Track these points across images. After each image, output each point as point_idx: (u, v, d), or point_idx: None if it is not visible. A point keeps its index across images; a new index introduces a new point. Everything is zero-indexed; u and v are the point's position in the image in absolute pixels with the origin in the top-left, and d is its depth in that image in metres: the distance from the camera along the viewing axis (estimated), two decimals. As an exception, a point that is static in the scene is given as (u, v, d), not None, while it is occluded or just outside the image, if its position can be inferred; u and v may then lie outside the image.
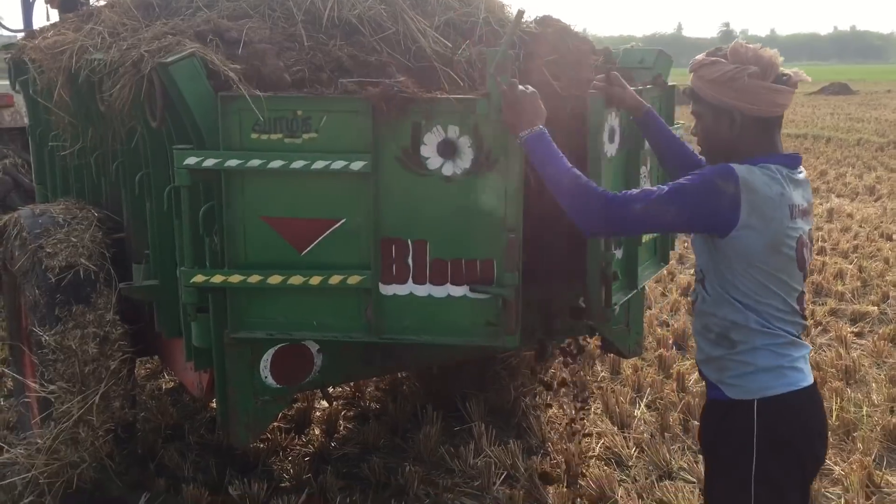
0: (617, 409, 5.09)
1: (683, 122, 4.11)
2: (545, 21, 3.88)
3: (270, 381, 3.18)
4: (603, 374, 5.82)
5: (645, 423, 5.05)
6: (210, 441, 4.82)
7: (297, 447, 4.88)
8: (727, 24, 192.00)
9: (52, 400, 3.76)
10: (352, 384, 5.65)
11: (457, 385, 5.20)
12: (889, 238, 9.85)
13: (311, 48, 3.20)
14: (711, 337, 2.44)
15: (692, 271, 8.34)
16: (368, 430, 4.95)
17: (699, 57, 2.50)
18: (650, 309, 7.28)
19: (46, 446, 3.78)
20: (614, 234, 3.06)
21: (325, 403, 5.38)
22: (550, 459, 4.61)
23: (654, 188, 2.38)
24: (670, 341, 6.37)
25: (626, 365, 5.82)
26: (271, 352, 3.16)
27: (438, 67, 3.33)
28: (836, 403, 5.13)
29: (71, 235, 4.01)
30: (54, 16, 5.51)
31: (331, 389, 5.59)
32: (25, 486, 3.92)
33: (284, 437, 4.92)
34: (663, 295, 7.81)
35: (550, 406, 5.29)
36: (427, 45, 3.37)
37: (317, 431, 5.10)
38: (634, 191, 2.42)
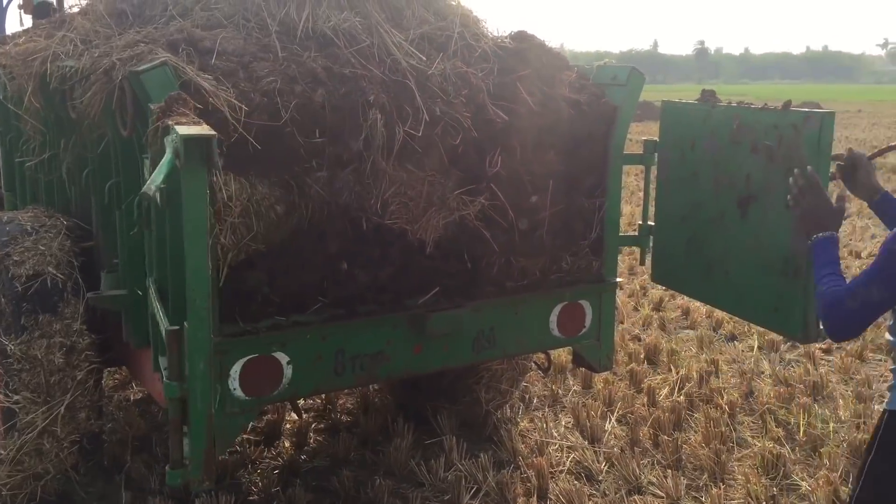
0: (588, 424, 5.10)
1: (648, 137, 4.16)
2: (520, 36, 3.90)
3: (239, 392, 3.16)
4: (575, 387, 5.83)
5: (615, 437, 5.06)
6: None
7: (267, 460, 4.84)
8: (702, 42, 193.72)
9: (17, 410, 3.71)
10: (323, 396, 5.63)
11: (428, 398, 5.19)
12: (858, 255, 9.97)
13: (285, 59, 3.19)
14: None
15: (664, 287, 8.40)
16: (339, 443, 4.92)
17: None
18: (622, 324, 7.32)
19: (10, 457, 3.72)
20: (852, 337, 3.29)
21: (295, 416, 5.35)
22: (521, 473, 4.61)
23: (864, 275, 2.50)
24: (642, 356, 6.40)
25: (598, 379, 5.83)
26: (240, 363, 3.13)
27: (413, 81, 3.34)
28: (804, 419, 5.17)
29: (39, 244, 3.96)
30: (28, 22, 5.47)
31: (301, 402, 5.58)
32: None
33: (254, 449, 4.89)
34: (636, 310, 7.85)
35: (521, 420, 5.28)
36: (402, 59, 3.38)
37: (287, 444, 5.07)
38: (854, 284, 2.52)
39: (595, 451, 4.83)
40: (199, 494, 4.24)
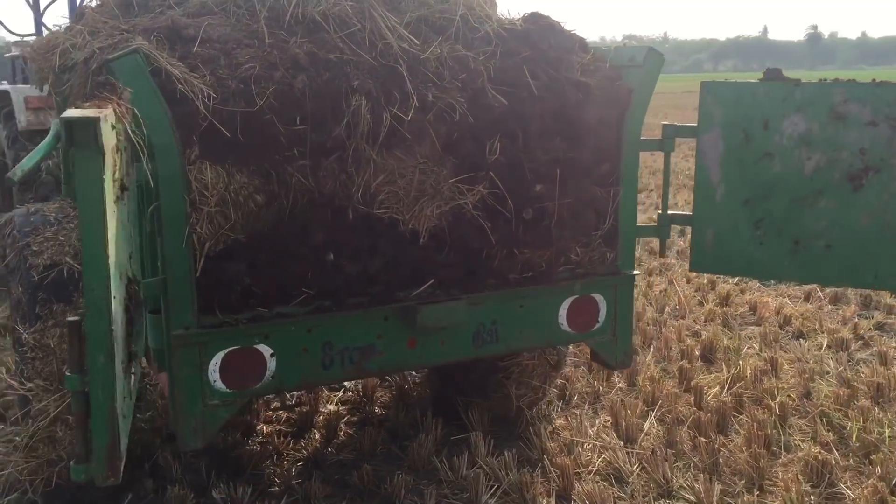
0: (624, 423, 4.88)
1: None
2: (531, 18, 3.73)
3: (220, 384, 3.11)
4: (620, 384, 5.60)
5: (652, 438, 4.83)
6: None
7: (292, 452, 4.82)
8: (815, 27, 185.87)
9: (30, 398, 3.77)
10: (360, 389, 5.58)
11: (459, 392, 5.07)
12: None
13: (270, 45, 3.13)
14: None
15: (735, 280, 8.02)
16: (366, 437, 4.86)
17: None
18: (682, 319, 7.02)
19: (24, 444, 3.79)
20: None
21: (330, 407, 5.32)
22: (546, 473, 4.44)
23: None
24: (696, 353, 6.11)
25: (644, 376, 5.60)
26: (221, 354, 3.09)
27: (404, 65, 3.22)
28: (860, 423, 4.82)
29: (59, 234, 4.03)
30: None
31: (339, 394, 5.56)
32: (7, 483, 3.96)
33: (282, 441, 4.87)
34: (700, 304, 7.52)
35: (557, 418, 5.11)
36: (394, 43, 3.27)
37: (317, 436, 5.03)
38: None
39: (628, 452, 4.62)
40: (215, 485, 4.26)
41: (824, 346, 6.36)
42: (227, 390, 3.14)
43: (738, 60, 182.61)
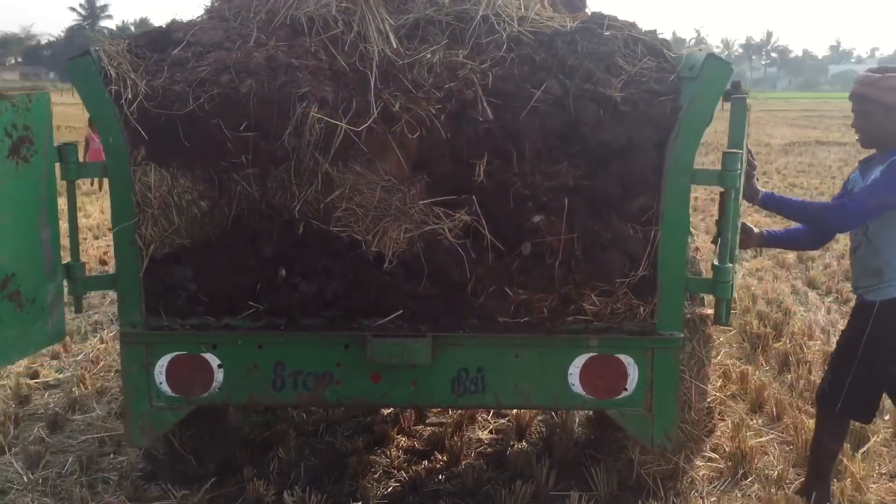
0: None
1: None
2: (589, 19, 3.18)
3: (165, 387, 3.11)
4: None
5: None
6: (317, 445, 4.80)
7: (386, 468, 4.63)
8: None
9: None
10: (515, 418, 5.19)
11: (586, 445, 4.48)
12: None
13: (242, 49, 3.03)
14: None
15: None
16: (471, 473, 4.50)
17: (872, 74, 3.33)
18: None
19: None
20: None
21: (481, 434, 5.01)
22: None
23: (865, 188, 3.27)
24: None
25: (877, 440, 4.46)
26: (167, 357, 3.09)
27: (376, 73, 2.93)
28: None
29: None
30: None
31: (489, 418, 5.23)
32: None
33: (400, 458, 4.69)
34: None
35: (698, 499, 4.27)
36: (377, 47, 2.98)
37: (444, 458, 4.76)
38: (856, 196, 3.30)
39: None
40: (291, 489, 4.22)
41: None
42: (173, 394, 3.12)
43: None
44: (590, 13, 3.25)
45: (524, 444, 4.78)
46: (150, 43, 3.15)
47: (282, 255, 3.03)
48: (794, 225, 3.74)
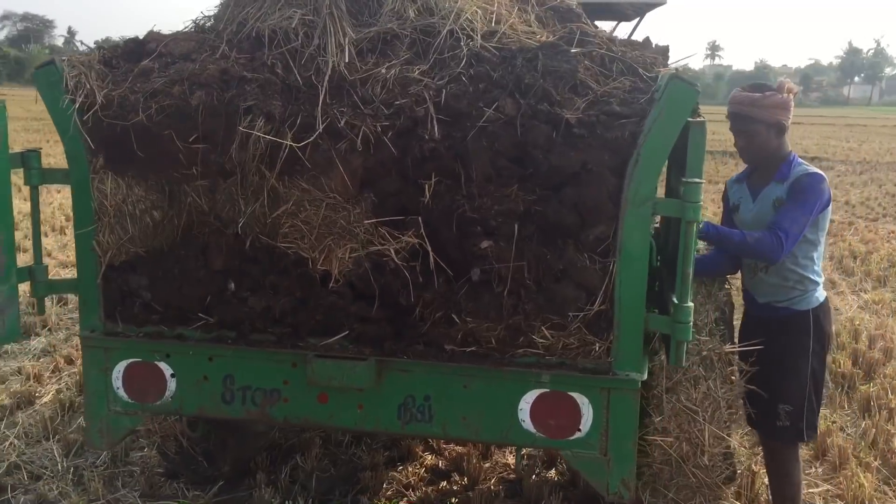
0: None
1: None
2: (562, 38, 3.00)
3: (122, 392, 3.15)
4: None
5: None
6: (340, 456, 4.76)
7: (400, 486, 4.54)
8: None
9: None
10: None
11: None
12: None
13: (203, 62, 3.03)
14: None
15: None
16: (479, 499, 4.35)
17: (752, 93, 3.33)
18: None
19: None
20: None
21: (509, 459, 4.85)
22: None
23: (787, 215, 3.22)
24: None
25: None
26: (124, 363, 3.12)
27: (325, 88, 2.85)
28: None
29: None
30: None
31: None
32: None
33: (421, 478, 4.60)
34: None
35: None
36: (333, 61, 2.91)
37: (463, 481, 4.63)
38: (781, 224, 3.20)
39: None
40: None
41: None
42: (129, 400, 3.16)
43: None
44: (575, 28, 3.05)
45: (552, 473, 4.59)
46: (126, 53, 3.19)
47: (232, 269, 3.01)
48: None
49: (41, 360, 6.16)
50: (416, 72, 2.89)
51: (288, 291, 2.97)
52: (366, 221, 2.85)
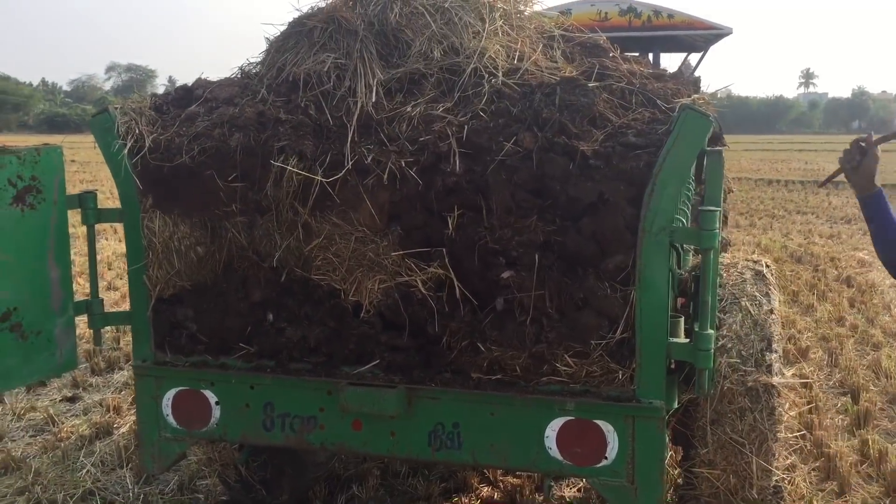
0: None
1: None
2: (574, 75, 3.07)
3: (171, 419, 3.32)
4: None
5: None
6: (398, 486, 4.84)
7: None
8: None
9: None
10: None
11: None
12: None
13: (242, 106, 3.21)
14: None
15: None
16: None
17: None
18: None
19: None
20: None
21: (567, 493, 4.86)
22: None
23: None
24: None
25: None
26: (173, 391, 3.30)
27: (354, 126, 3.00)
28: None
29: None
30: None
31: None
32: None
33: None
34: None
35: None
36: (363, 102, 3.06)
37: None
38: None
39: None
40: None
41: None
42: (178, 427, 3.32)
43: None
44: (597, 62, 3.12)
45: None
46: (176, 100, 3.41)
47: (269, 301, 3.16)
48: None
49: (122, 392, 6.45)
50: (440, 109, 3.00)
51: (322, 322, 3.10)
52: (393, 254, 2.97)
